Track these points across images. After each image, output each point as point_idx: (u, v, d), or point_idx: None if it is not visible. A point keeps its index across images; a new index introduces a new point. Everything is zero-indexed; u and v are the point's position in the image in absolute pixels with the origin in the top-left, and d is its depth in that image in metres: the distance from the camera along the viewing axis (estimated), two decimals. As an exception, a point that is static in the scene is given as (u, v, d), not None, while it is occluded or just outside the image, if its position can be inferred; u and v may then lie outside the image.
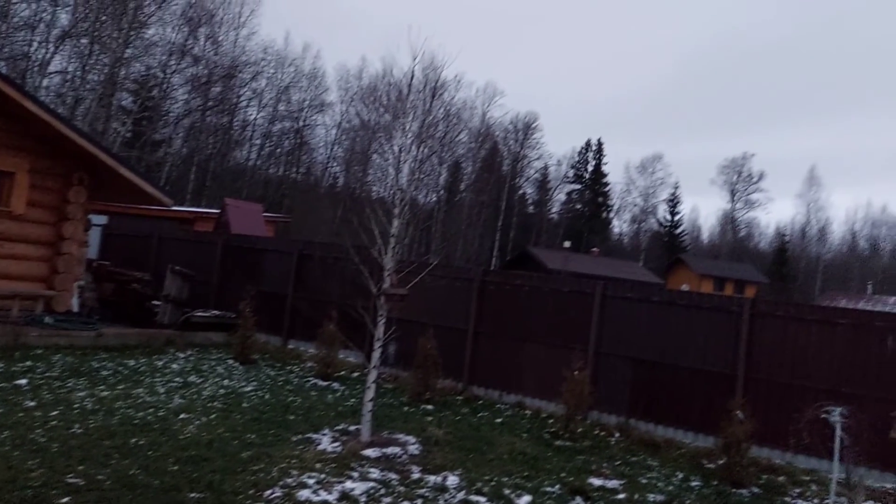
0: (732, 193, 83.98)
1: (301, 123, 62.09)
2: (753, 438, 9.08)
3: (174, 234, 18.99)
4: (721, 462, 8.93)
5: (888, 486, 8.96)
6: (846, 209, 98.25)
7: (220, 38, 52.20)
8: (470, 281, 13.55)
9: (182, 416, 8.76)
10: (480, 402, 12.21)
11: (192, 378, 11.21)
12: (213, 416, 8.95)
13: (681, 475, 8.84)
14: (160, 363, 12.14)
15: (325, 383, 12.10)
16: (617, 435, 10.65)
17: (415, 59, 9.07)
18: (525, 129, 75.19)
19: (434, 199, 64.29)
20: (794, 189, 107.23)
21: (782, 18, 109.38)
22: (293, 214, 43.87)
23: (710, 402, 10.55)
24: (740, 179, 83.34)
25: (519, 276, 13.77)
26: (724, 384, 10.77)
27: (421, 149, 9.51)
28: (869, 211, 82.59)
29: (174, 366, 12.07)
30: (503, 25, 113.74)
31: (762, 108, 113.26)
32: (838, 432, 7.60)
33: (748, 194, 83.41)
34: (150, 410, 8.84)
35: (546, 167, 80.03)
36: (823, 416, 7.76)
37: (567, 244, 62.23)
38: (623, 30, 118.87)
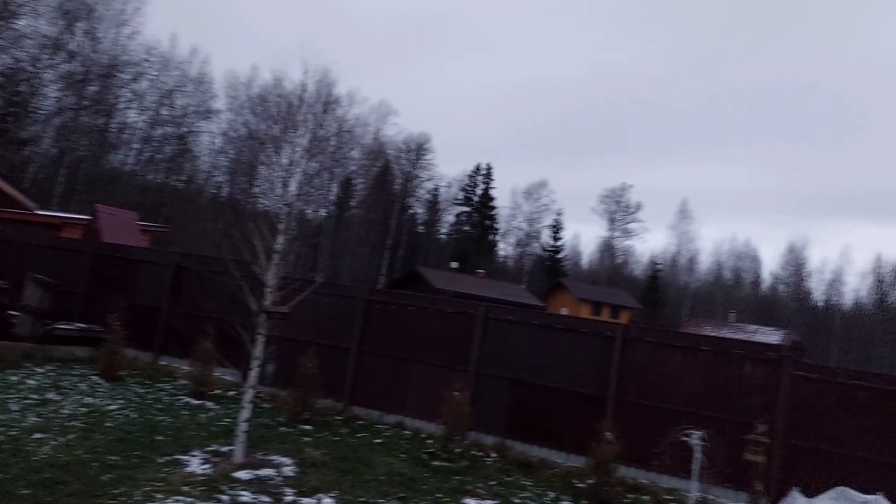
0: (611, 222, 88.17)
1: (185, 129, 59.78)
2: (622, 459, 9.48)
3: (38, 241, 17.69)
4: (591, 482, 9.25)
5: None
6: (713, 241, 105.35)
7: (99, 35, 49.52)
8: (355, 299, 13.44)
9: (37, 435, 8.14)
10: (361, 422, 12.08)
11: (50, 395, 10.44)
12: (71, 435, 8.36)
13: (552, 495, 9.09)
14: (14, 378, 11.23)
15: (199, 402, 11.59)
16: (494, 455, 10.82)
17: (306, 72, 8.99)
18: (417, 150, 75.97)
19: (323, 214, 63.50)
20: (667, 220, 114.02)
21: (664, 59, 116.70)
22: (172, 224, 41.96)
23: (583, 424, 10.93)
24: (619, 209, 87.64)
25: (405, 296, 13.79)
26: (597, 406, 11.21)
27: (311, 163, 9.40)
28: (734, 244, 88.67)
29: (30, 381, 11.20)
30: (397, 47, 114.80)
31: (641, 141, 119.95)
32: (697, 454, 8.07)
33: (626, 223, 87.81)
34: (1, 430, 8.14)
35: (437, 188, 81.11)
36: (684, 438, 8.22)
37: (454, 265, 63.04)
38: (515, 58, 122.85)
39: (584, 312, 62.20)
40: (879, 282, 78.90)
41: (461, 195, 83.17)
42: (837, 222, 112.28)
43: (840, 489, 8.98)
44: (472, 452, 10.70)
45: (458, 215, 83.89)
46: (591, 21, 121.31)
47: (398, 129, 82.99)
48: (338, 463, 8.89)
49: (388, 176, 73.84)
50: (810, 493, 9.21)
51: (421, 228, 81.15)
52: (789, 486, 9.49)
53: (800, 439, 10.19)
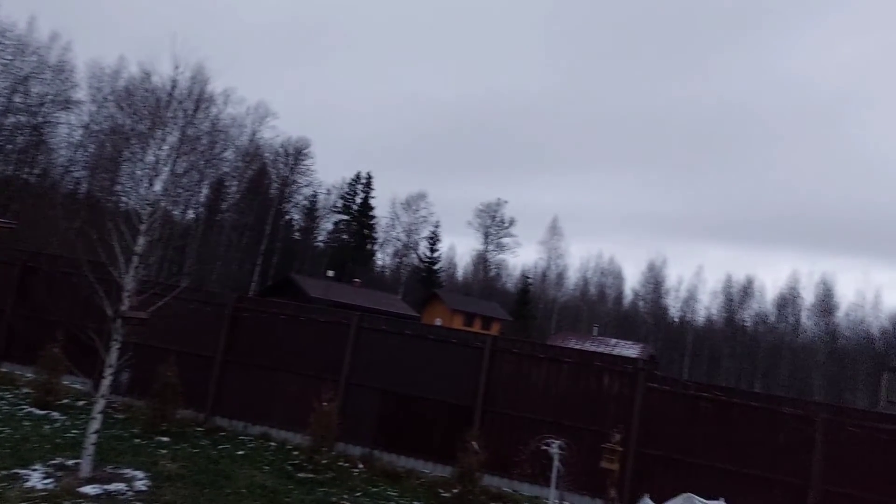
0: (486, 236, 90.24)
1: (40, 119, 55.50)
2: (486, 468, 9.68)
3: None
4: (455, 491, 9.38)
5: (596, 509, 10.01)
6: (581, 258, 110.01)
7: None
8: (222, 306, 12.94)
9: None
10: (223, 433, 11.62)
11: None
12: None
13: (418, 505, 9.12)
14: None
15: (43, 412, 10.73)
16: (360, 466, 10.73)
17: (178, 67, 8.62)
18: (296, 154, 74.40)
19: (192, 216, 60.79)
20: (538, 236, 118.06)
21: (546, 82, 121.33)
22: (21, 220, 38.74)
23: (452, 433, 11.05)
24: (493, 224, 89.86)
25: (275, 304, 13.45)
26: (465, 416, 11.38)
27: (179, 162, 8.99)
28: (599, 261, 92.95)
29: None
30: (282, 51, 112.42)
31: (517, 160, 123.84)
32: (556, 462, 8.36)
33: (500, 238, 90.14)
34: None
35: (315, 195, 79.73)
36: (544, 447, 8.51)
37: (330, 273, 62.19)
38: (403, 72, 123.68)
39: (458, 323, 63.11)
40: (728, 300, 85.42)
41: (340, 203, 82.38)
42: (693, 244, 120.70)
43: (686, 495, 9.57)
44: (339, 464, 10.56)
45: (336, 223, 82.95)
46: (478, 41, 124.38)
47: (276, 132, 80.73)
48: (196, 476, 8.50)
49: (264, 180, 71.85)
50: (660, 498, 9.76)
51: (297, 235, 79.47)
52: (641, 493, 10.03)
53: (651, 448, 10.81)
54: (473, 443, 9.50)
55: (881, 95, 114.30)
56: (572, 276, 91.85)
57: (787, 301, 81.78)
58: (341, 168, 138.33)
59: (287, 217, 77.11)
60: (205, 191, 62.86)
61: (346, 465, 10.66)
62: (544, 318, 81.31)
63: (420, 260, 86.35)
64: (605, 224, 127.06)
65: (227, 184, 68.15)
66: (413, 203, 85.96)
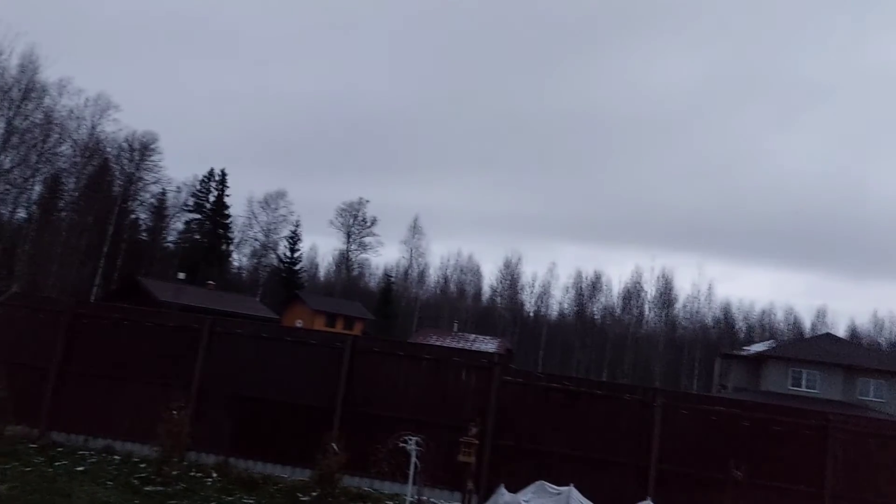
0: (348, 235, 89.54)
1: None
2: (347, 469, 9.63)
3: None
4: (314, 494, 9.26)
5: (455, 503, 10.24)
6: (441, 257, 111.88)
7: None
8: (58, 313, 12.00)
9: None
10: (60, 449, 10.78)
11: None
12: None
13: (276, 511, 8.92)
14: None
15: None
16: (215, 475, 10.32)
17: (1, 53, 7.88)
18: (142, 150, 70.04)
19: (23, 216, 55.72)
20: (400, 235, 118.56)
21: (403, 85, 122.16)
22: None
23: (311, 436, 10.86)
24: (356, 223, 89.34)
25: (119, 310, 12.65)
26: (325, 418, 11.24)
27: (6, 155, 8.24)
28: (459, 259, 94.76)
29: None
30: (123, 39, 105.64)
31: (379, 159, 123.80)
32: (413, 459, 8.47)
33: (362, 237, 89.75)
34: None
35: (164, 193, 75.40)
36: (402, 444, 8.59)
37: (182, 276, 59.20)
38: (266, 70, 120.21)
39: (320, 324, 62.23)
40: (579, 295, 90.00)
41: (192, 201, 78.58)
42: (547, 242, 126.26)
43: (539, 483, 10.02)
44: (192, 474, 10.12)
45: (187, 223, 78.96)
46: (341, 39, 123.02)
47: (120, 126, 75.37)
48: (29, 497, 7.85)
49: (107, 176, 67.10)
50: (515, 488, 10.14)
51: (144, 236, 74.96)
52: (497, 483, 10.36)
53: (507, 439, 11.20)
54: (333, 444, 9.42)
55: (711, 107, 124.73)
56: (433, 275, 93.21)
57: (632, 294, 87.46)
58: (193, 165, 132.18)
59: (133, 216, 72.54)
60: (38, 188, 57.75)
61: (200, 475, 10.22)
62: (407, 316, 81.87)
63: (280, 260, 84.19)
64: (464, 223, 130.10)
65: (63, 180, 63.03)
66: (272, 201, 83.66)
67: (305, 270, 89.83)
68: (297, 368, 11.67)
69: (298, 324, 61.35)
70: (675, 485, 10.79)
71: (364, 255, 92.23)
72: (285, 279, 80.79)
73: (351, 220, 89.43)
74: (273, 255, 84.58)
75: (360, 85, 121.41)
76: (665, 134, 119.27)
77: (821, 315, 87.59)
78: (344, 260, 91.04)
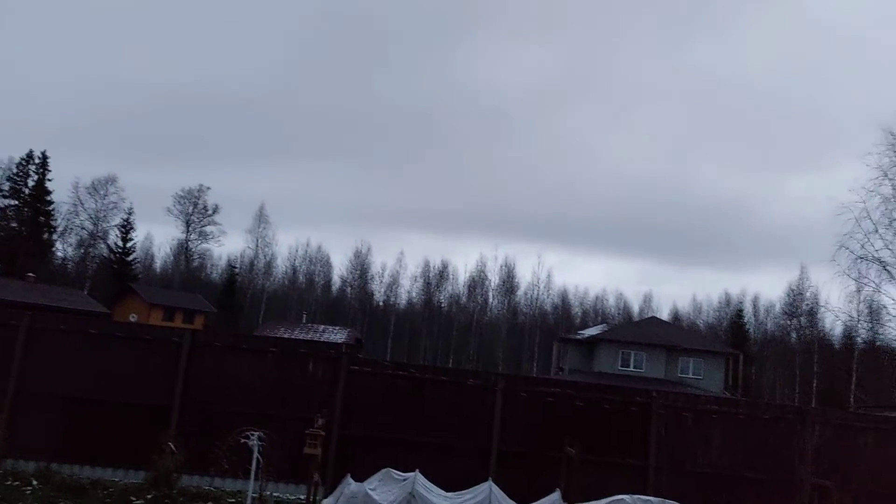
0: (187, 224, 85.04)
1: None
2: (186, 468, 9.24)
3: None
4: (150, 496, 8.81)
5: (302, 497, 10.11)
6: (289, 246, 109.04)
7: None
8: None
9: None
10: None
11: None
12: None
13: (107, 517, 8.40)
14: None
15: None
16: (35, 483, 9.52)
17: None
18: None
19: None
20: (245, 225, 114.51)
21: (255, 76, 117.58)
22: None
23: (146, 436, 10.27)
24: (196, 211, 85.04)
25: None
26: (162, 416, 10.69)
27: None
28: (308, 250, 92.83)
29: None
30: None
31: (224, 147, 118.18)
32: (255, 454, 8.29)
33: (203, 226, 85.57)
34: None
35: (-28, 176, 67.87)
36: (244, 440, 8.38)
37: (-5, 267, 53.67)
38: (101, 53, 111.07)
39: (157, 318, 58.83)
40: (427, 284, 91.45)
41: (7, 186, 71.23)
42: (395, 232, 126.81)
43: (386, 470, 10.14)
44: (8, 483, 9.28)
45: (3, 209, 71.61)
46: (192, 25, 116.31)
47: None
48: None
49: None
50: (363, 477, 10.18)
51: (-50, 223, 67.11)
52: (345, 473, 10.36)
53: (355, 429, 11.22)
54: (171, 443, 8.99)
55: (550, 104, 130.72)
56: (281, 265, 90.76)
57: (477, 283, 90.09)
58: (8, 147, 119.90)
59: (-65, 202, 64.71)
60: None
61: (17, 483, 9.39)
62: (253, 308, 79.25)
63: (111, 251, 78.39)
64: (313, 213, 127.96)
65: None
66: (100, 187, 77.44)
67: (140, 261, 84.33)
68: (131, 366, 11.01)
69: (133, 318, 57.74)
70: (515, 464, 11.32)
71: (205, 245, 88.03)
72: (117, 271, 75.39)
73: (191, 208, 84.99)
74: (103, 245, 78.68)
75: (208, 71, 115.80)
76: (509, 128, 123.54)
77: (647, 300, 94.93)
78: (183, 250, 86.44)
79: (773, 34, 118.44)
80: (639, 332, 46.44)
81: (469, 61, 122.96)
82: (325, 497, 9.88)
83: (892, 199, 33.48)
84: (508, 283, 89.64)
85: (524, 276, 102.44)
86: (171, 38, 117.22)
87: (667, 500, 9.56)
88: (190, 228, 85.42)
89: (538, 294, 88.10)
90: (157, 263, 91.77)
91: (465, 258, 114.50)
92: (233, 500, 9.67)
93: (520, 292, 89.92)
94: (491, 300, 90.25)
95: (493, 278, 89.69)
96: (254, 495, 8.36)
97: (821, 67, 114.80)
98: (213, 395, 11.07)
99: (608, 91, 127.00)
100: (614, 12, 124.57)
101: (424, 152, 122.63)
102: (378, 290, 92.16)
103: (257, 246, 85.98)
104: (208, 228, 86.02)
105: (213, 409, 10.94)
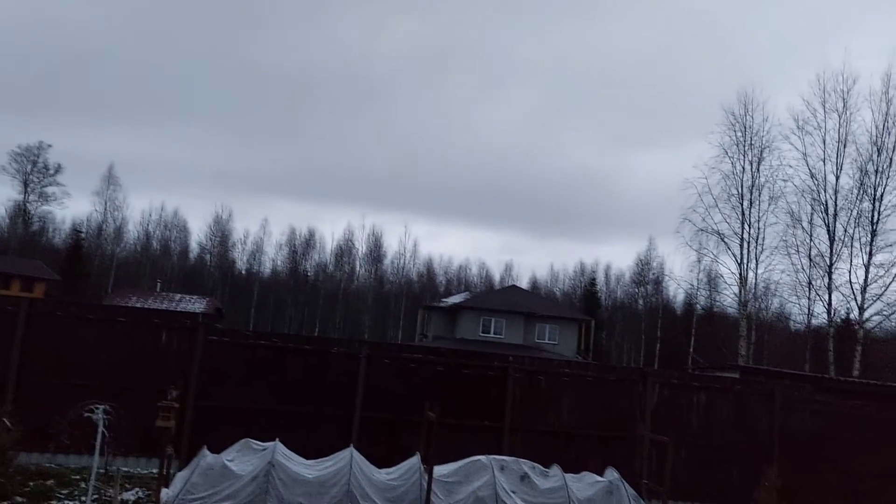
0: (25, 184, 77.99)
1: None
2: (23, 445, 8.62)
3: None
4: (-19, 478, 8.16)
5: (154, 471, 9.72)
6: (142, 211, 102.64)
7: None
8: None
9: None
10: None
11: None
12: None
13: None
14: None
15: None
16: None
17: None
18: None
19: None
20: (92, 186, 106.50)
21: (107, 26, 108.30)
22: None
23: (-24, 414, 9.53)
24: (35, 170, 78.09)
25: None
26: (-5, 392, 9.89)
27: None
28: (163, 214, 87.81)
29: None
30: None
31: (69, 103, 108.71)
32: (100, 429, 7.88)
33: (43, 186, 78.77)
34: None
35: None
36: (88, 414, 7.93)
37: None
38: None
39: (-10, 286, 53.90)
40: (293, 252, 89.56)
41: None
42: (259, 198, 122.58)
43: (244, 441, 9.90)
44: None
45: None
46: None
47: None
48: None
49: None
50: (221, 448, 9.91)
51: None
52: (201, 446, 10.04)
53: (213, 400, 10.91)
54: (4, 419, 8.34)
55: (421, 74, 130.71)
56: (133, 230, 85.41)
57: (344, 252, 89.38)
58: None
59: None
60: None
61: None
62: (101, 275, 74.24)
63: (-67, 212, 70.67)
64: (169, 176, 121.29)
65: None
66: (-81, 141, 69.39)
67: (-31, 224, 76.67)
68: (-43, 337, 10.06)
69: (-40, 286, 52.66)
70: (377, 431, 11.46)
71: (46, 208, 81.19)
72: (-58, 234, 68.21)
73: (29, 167, 77.89)
74: (-77, 206, 70.68)
75: (49, 17, 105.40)
76: (383, 98, 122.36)
77: (509, 269, 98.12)
78: (21, 212, 79.29)
79: (639, 20, 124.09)
80: (499, 299, 48.04)
81: (349, 30, 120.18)
82: (180, 470, 9.55)
83: (732, 176, 36.53)
84: (375, 252, 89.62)
85: (391, 246, 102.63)
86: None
87: (520, 459, 10.02)
88: (28, 189, 78.41)
89: (404, 263, 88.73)
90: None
91: (333, 227, 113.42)
92: (77, 477, 9.15)
93: (387, 261, 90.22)
94: (358, 269, 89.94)
95: (361, 247, 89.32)
96: (100, 470, 7.94)
97: (679, 51, 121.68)
98: (56, 368, 10.37)
99: (485, 64, 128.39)
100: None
101: (295, 119, 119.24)
102: (240, 259, 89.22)
103: (106, 209, 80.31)
104: (50, 189, 79.27)
105: (56, 382, 10.26)
